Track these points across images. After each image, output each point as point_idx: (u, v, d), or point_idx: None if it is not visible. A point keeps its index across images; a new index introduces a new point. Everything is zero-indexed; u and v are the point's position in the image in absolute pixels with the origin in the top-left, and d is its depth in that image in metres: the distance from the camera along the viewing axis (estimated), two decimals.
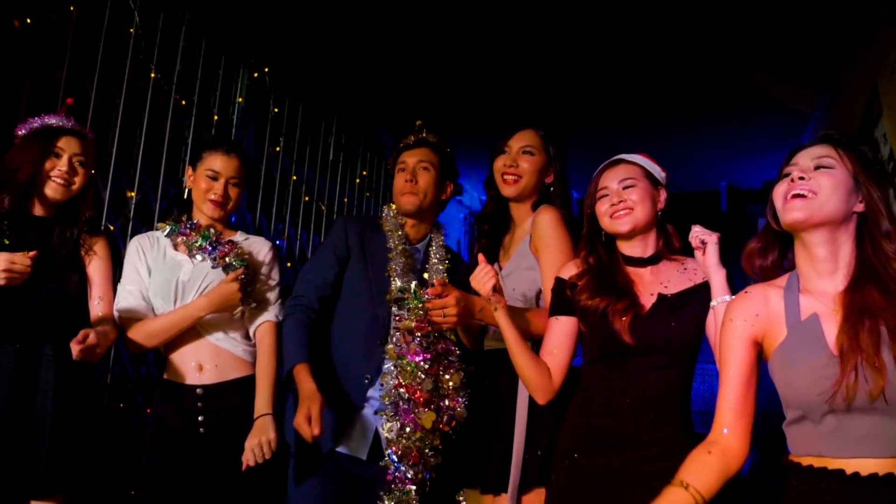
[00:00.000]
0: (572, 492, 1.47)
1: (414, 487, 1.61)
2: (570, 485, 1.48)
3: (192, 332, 1.79)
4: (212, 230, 1.85)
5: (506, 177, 1.85)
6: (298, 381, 1.69)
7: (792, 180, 1.20)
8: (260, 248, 1.93)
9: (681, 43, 3.45)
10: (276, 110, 3.49)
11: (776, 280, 1.26)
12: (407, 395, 1.64)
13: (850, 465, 1.09)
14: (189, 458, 1.74)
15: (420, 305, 1.64)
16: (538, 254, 1.74)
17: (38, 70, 2.24)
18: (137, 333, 1.76)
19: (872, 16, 2.78)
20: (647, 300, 1.48)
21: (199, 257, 1.83)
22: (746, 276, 1.34)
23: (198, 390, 1.77)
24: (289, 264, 3.55)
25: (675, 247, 1.56)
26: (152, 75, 2.65)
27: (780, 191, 1.22)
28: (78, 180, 1.76)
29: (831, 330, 1.14)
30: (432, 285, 1.62)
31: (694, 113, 4.37)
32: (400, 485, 1.61)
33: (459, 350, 1.77)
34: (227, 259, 1.81)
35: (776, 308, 1.21)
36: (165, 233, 1.86)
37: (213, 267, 1.82)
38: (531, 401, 1.61)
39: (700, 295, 1.47)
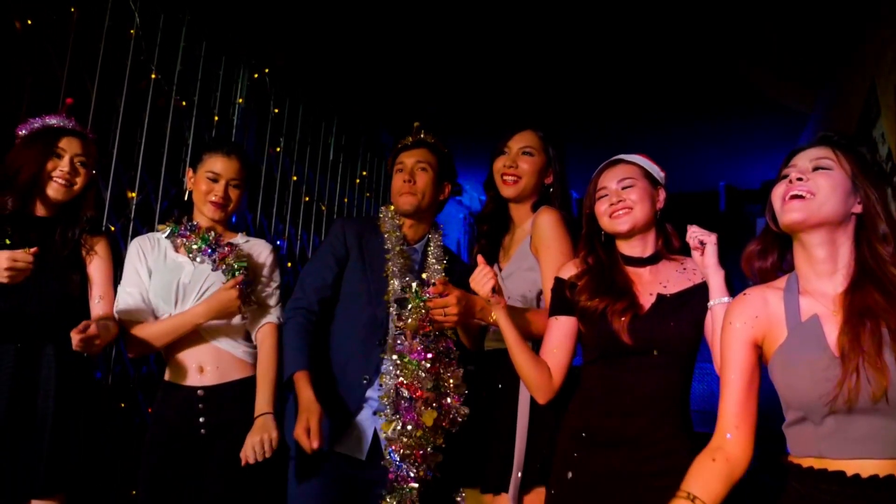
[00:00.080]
0: (572, 491, 1.47)
1: (416, 486, 1.62)
2: (570, 484, 1.48)
3: (193, 333, 1.79)
4: (211, 233, 1.86)
5: (505, 177, 1.85)
6: (298, 388, 1.71)
7: (790, 181, 1.20)
8: (260, 250, 1.94)
9: (679, 43, 3.45)
10: (276, 111, 3.49)
11: (775, 282, 1.26)
12: (408, 393, 1.65)
13: (851, 467, 1.09)
14: (190, 459, 1.75)
15: (421, 305, 1.65)
16: (538, 255, 1.74)
17: (40, 71, 2.24)
18: (136, 337, 1.76)
19: (870, 16, 2.79)
20: (647, 300, 1.49)
21: (199, 259, 1.83)
22: (745, 277, 1.34)
23: (199, 391, 1.77)
24: (289, 264, 3.56)
25: (674, 246, 1.57)
26: (153, 76, 2.65)
27: (778, 192, 1.22)
28: (79, 181, 1.77)
29: (832, 331, 1.14)
30: (433, 284, 1.62)
31: (692, 113, 4.38)
32: (402, 483, 1.62)
33: (459, 350, 1.77)
34: (227, 261, 1.81)
35: (776, 310, 1.21)
36: (165, 234, 1.87)
37: (212, 270, 1.82)
38: (532, 400, 1.62)
39: (699, 295, 1.48)
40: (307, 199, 3.83)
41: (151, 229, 2.49)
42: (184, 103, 2.85)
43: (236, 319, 1.81)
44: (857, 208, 1.19)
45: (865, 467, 1.09)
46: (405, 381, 1.65)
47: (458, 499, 1.79)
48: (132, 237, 2.42)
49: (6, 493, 1.60)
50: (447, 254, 1.94)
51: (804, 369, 1.13)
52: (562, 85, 3.97)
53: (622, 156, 1.60)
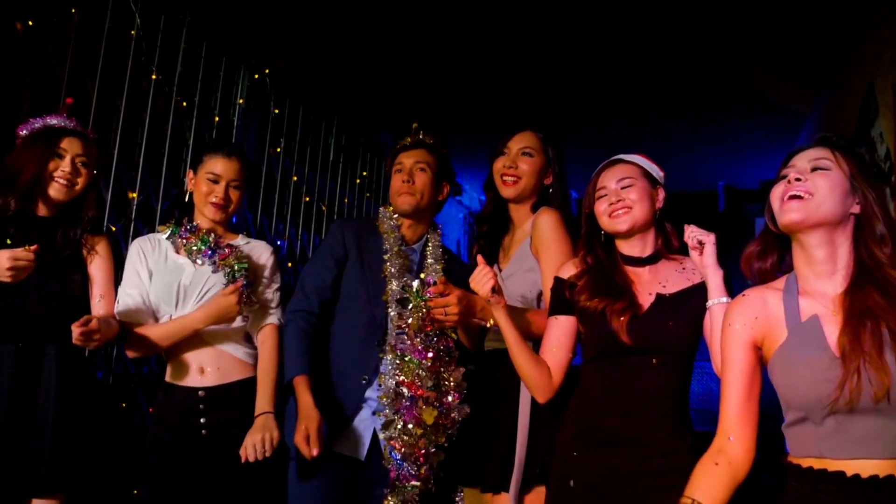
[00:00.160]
0: (572, 490, 1.47)
1: (418, 484, 1.63)
2: (570, 483, 1.48)
3: (193, 335, 1.80)
4: (211, 234, 1.86)
5: (505, 178, 1.86)
6: (297, 393, 1.72)
7: (789, 182, 1.20)
8: (261, 252, 1.94)
9: (679, 44, 3.46)
10: (276, 111, 3.50)
11: (774, 283, 1.26)
12: (408, 392, 1.65)
13: (851, 467, 1.09)
14: (190, 459, 1.75)
15: (422, 304, 1.65)
16: (538, 255, 1.75)
17: (40, 71, 2.24)
18: (135, 339, 1.77)
19: (869, 16, 2.80)
20: (646, 300, 1.49)
21: (199, 261, 1.84)
22: (744, 277, 1.34)
23: (200, 392, 1.78)
24: (290, 264, 3.56)
25: (673, 246, 1.57)
26: (153, 77, 2.66)
27: (777, 192, 1.22)
28: (81, 181, 1.77)
29: (832, 331, 1.14)
30: (434, 284, 1.63)
31: (691, 113, 4.38)
32: (404, 482, 1.62)
33: (459, 350, 1.78)
34: (227, 262, 1.82)
35: (775, 310, 1.21)
36: (166, 235, 1.87)
37: (213, 272, 1.83)
38: (532, 400, 1.62)
39: (698, 295, 1.48)
40: (307, 199, 3.84)
41: (152, 230, 2.49)
42: (184, 104, 2.85)
43: (237, 321, 1.81)
44: (856, 209, 1.19)
45: (865, 467, 1.09)
46: (406, 380, 1.65)
47: (457, 499, 1.80)
48: (133, 238, 2.43)
49: (7, 493, 1.61)
50: (446, 254, 1.94)
51: (804, 370, 1.13)
52: (561, 85, 3.97)
53: (621, 156, 1.61)
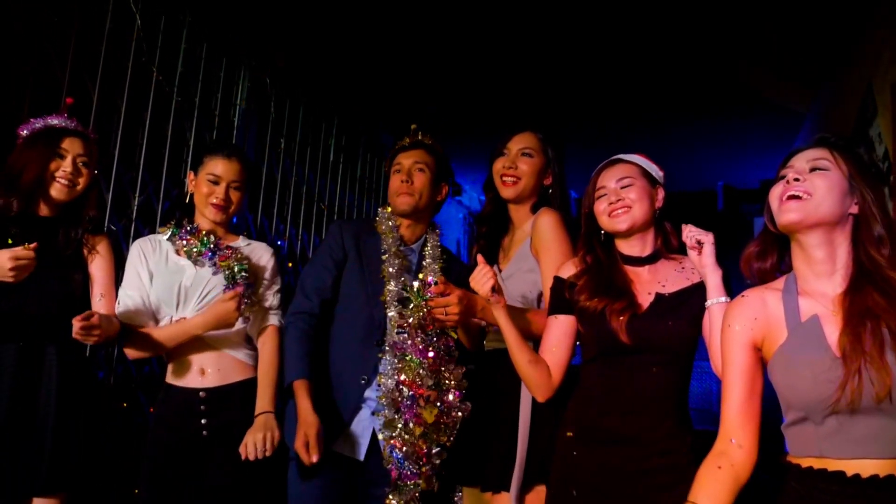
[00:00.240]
0: (572, 489, 1.48)
1: (421, 482, 1.63)
2: (570, 482, 1.49)
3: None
4: (210, 236, 1.86)
5: (504, 178, 1.86)
6: (297, 398, 1.72)
7: (787, 182, 1.20)
8: (261, 253, 1.94)
9: (678, 44, 3.47)
10: (275, 112, 3.50)
11: (773, 283, 1.26)
12: (409, 391, 1.66)
13: (851, 467, 1.09)
14: (191, 460, 1.76)
15: (423, 304, 1.66)
16: (538, 256, 1.75)
17: (41, 72, 2.25)
18: (134, 342, 1.77)
19: (868, 16, 2.80)
20: (645, 299, 1.50)
21: (199, 263, 1.84)
22: (743, 276, 1.34)
23: (200, 393, 1.78)
24: (290, 264, 3.57)
25: (673, 246, 1.57)
26: (154, 77, 2.66)
27: (775, 192, 1.22)
28: (82, 181, 1.78)
29: (832, 332, 1.13)
30: (436, 283, 1.64)
31: (691, 113, 4.39)
32: (406, 481, 1.63)
33: (458, 350, 1.78)
34: (227, 263, 1.82)
35: (775, 311, 1.21)
36: (166, 237, 1.88)
37: (213, 274, 1.83)
38: (533, 400, 1.63)
39: (698, 294, 1.48)
40: (307, 199, 3.84)
41: (153, 230, 2.49)
42: (180, 100, 2.85)
43: (237, 324, 1.82)
44: (854, 209, 1.19)
45: (866, 467, 1.09)
46: (407, 379, 1.66)
47: (456, 499, 1.80)
48: (134, 238, 2.43)
49: (7, 492, 1.61)
50: (444, 253, 1.95)
51: (805, 370, 1.13)
52: (561, 85, 3.98)
53: (621, 155, 1.61)
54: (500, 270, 1.88)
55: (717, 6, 3.10)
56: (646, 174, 1.58)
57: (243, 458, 1.70)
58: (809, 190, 1.18)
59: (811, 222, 1.18)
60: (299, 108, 3.71)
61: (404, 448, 1.64)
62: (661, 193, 1.58)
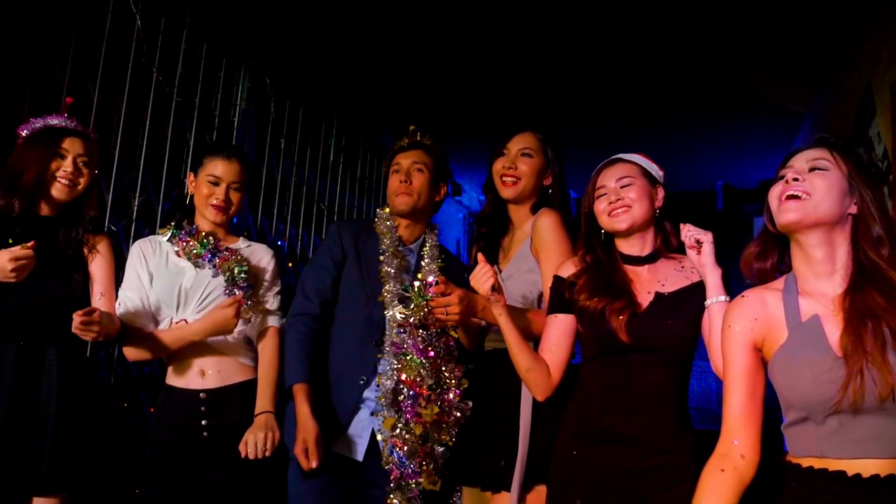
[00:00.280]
0: (572, 488, 1.48)
1: (422, 480, 1.64)
2: (570, 481, 1.49)
3: None
4: (210, 238, 1.86)
5: (504, 179, 1.86)
6: (296, 402, 1.73)
7: (786, 182, 1.20)
8: (261, 255, 1.95)
9: (677, 44, 3.47)
10: (275, 112, 3.51)
11: (772, 283, 1.26)
12: (409, 390, 1.66)
13: (852, 467, 1.09)
14: (192, 461, 1.76)
15: (423, 303, 1.66)
16: (539, 256, 1.75)
17: (41, 73, 2.25)
18: (133, 344, 1.78)
19: (867, 16, 2.81)
20: (645, 299, 1.50)
21: (199, 264, 1.84)
22: (743, 276, 1.34)
23: (201, 394, 1.79)
24: (290, 265, 3.57)
25: (672, 245, 1.57)
26: (154, 77, 2.66)
27: (774, 192, 1.22)
28: (82, 181, 1.78)
29: (833, 331, 1.13)
30: (436, 283, 1.64)
31: (690, 113, 4.39)
32: (408, 479, 1.63)
33: (458, 350, 1.79)
34: (227, 265, 1.82)
35: (775, 311, 1.20)
36: (166, 238, 1.88)
37: (213, 276, 1.83)
38: (533, 399, 1.63)
39: (697, 293, 1.48)
40: (307, 199, 3.85)
41: (153, 230, 2.50)
42: (179, 99, 2.85)
43: (238, 325, 1.82)
44: (853, 209, 1.19)
45: (867, 467, 1.08)
46: (408, 379, 1.66)
47: (454, 498, 1.81)
48: (134, 238, 2.43)
49: (7, 491, 1.61)
50: (443, 253, 1.95)
51: (806, 370, 1.12)
52: (561, 85, 3.98)
53: (621, 155, 1.61)
54: (500, 271, 1.87)
55: (716, 6, 3.11)
56: (646, 174, 1.58)
57: (243, 455, 1.70)
58: (808, 190, 1.18)
59: (810, 222, 1.18)
60: (299, 108, 3.71)
61: (405, 447, 1.64)
62: (660, 193, 1.58)
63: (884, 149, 2.48)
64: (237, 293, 1.81)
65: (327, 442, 1.73)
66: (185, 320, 1.82)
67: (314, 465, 1.66)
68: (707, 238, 1.47)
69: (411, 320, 1.70)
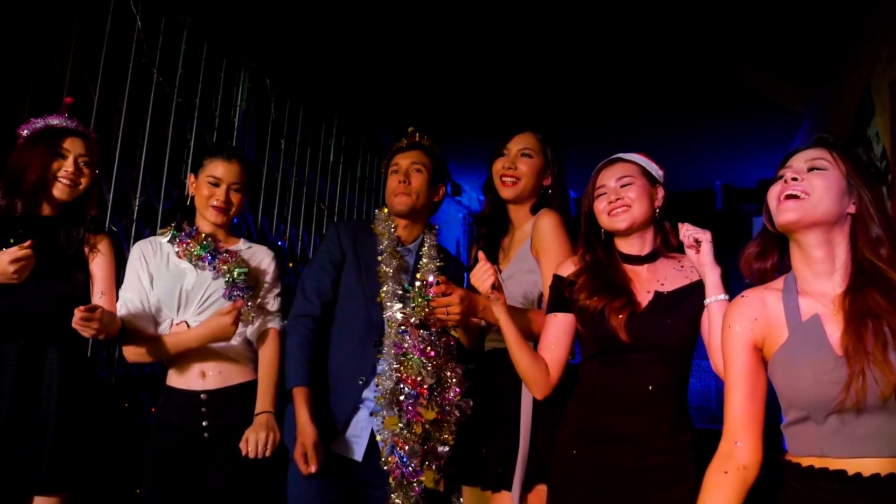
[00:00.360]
0: (572, 488, 1.49)
1: (424, 479, 1.64)
2: (571, 481, 1.49)
3: None
4: (209, 239, 1.86)
5: (504, 179, 1.86)
6: (296, 406, 1.73)
7: (785, 181, 1.21)
8: (262, 257, 1.95)
9: (677, 44, 3.47)
10: (275, 113, 3.51)
11: (772, 283, 1.26)
12: (410, 389, 1.67)
13: (852, 466, 1.09)
14: (192, 462, 1.76)
15: (424, 303, 1.67)
16: (539, 257, 1.76)
17: (42, 73, 2.25)
18: (131, 348, 1.79)
19: (865, 15, 2.81)
20: (644, 298, 1.50)
21: (199, 266, 1.84)
22: (742, 275, 1.34)
23: (202, 395, 1.79)
24: (290, 265, 3.58)
25: (672, 244, 1.58)
26: (155, 78, 2.67)
27: (773, 192, 1.23)
28: (84, 180, 1.78)
29: (834, 331, 1.13)
30: (437, 283, 1.64)
31: (690, 113, 4.40)
32: (411, 478, 1.64)
33: (457, 350, 1.79)
34: (227, 267, 1.82)
35: (775, 311, 1.20)
36: (167, 239, 1.88)
37: (213, 278, 1.83)
38: (533, 399, 1.63)
39: (696, 292, 1.49)
40: (307, 199, 3.85)
41: (154, 231, 2.50)
42: (179, 100, 2.86)
43: (238, 329, 1.82)
44: (852, 209, 1.19)
45: (867, 466, 1.09)
46: (409, 378, 1.67)
47: (453, 498, 1.81)
48: (135, 239, 2.44)
49: (8, 491, 1.62)
50: (441, 252, 1.95)
51: (807, 369, 1.13)
52: (561, 85, 3.98)
53: (621, 154, 1.61)
54: (500, 271, 1.88)
55: (716, 6, 3.11)
56: (645, 173, 1.58)
57: (244, 453, 1.70)
58: (807, 189, 1.18)
59: (809, 222, 1.18)
60: (299, 108, 3.71)
61: (406, 447, 1.64)
62: (660, 192, 1.59)
63: (882, 148, 2.49)
64: (237, 295, 1.81)
65: (326, 443, 1.74)
66: (186, 322, 1.82)
67: (313, 469, 1.66)
68: (705, 237, 1.47)
69: (412, 320, 1.71)
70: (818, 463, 1.13)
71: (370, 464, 1.75)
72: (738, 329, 1.23)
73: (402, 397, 1.68)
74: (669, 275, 1.54)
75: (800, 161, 1.23)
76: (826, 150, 1.22)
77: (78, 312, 1.54)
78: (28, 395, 1.65)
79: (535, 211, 1.86)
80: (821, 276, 1.20)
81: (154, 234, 2.18)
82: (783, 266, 1.29)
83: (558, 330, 1.56)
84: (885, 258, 1.16)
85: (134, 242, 2.11)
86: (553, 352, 1.55)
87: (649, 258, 1.57)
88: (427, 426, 1.66)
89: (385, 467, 1.68)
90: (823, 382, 1.10)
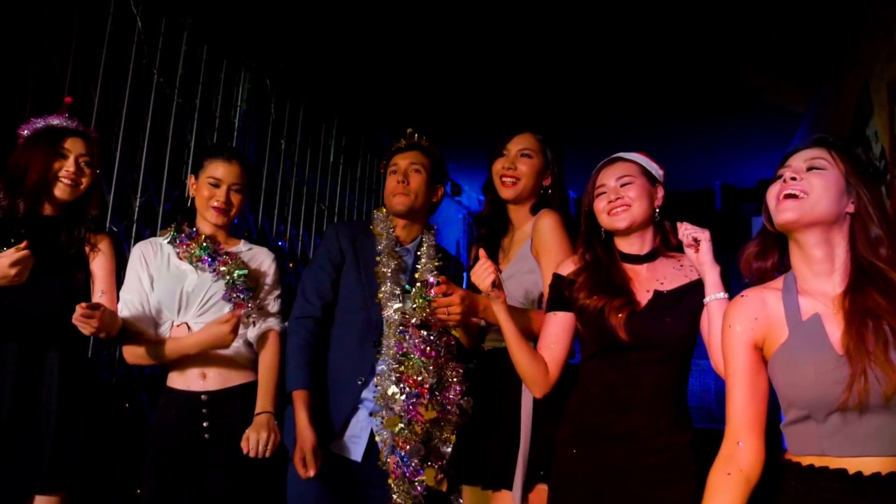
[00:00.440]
0: (573, 487, 1.49)
1: (424, 478, 1.64)
2: (570, 480, 1.50)
3: None
4: (209, 241, 1.87)
5: (504, 179, 1.87)
6: (295, 409, 1.73)
7: (784, 181, 1.21)
8: (262, 258, 1.95)
9: (676, 44, 3.48)
10: (275, 113, 3.51)
11: (771, 282, 1.26)
12: (414, 391, 1.67)
13: (853, 465, 1.09)
14: (193, 463, 1.77)
15: (425, 303, 1.67)
16: (539, 257, 1.76)
17: (42, 74, 2.25)
18: (131, 349, 1.79)
19: (864, 16, 2.82)
20: (644, 297, 1.51)
21: (199, 267, 1.85)
22: (741, 275, 1.35)
23: (202, 396, 1.79)
24: (290, 265, 3.58)
25: (671, 244, 1.58)
26: (155, 79, 2.67)
27: (773, 192, 1.23)
28: (85, 180, 1.79)
29: (834, 330, 1.14)
30: (438, 283, 1.64)
31: (689, 113, 4.40)
32: (412, 478, 1.64)
33: (457, 349, 1.79)
34: (227, 269, 1.82)
35: (775, 310, 1.21)
36: (167, 240, 1.88)
37: (213, 280, 1.84)
38: (534, 398, 1.64)
39: (696, 291, 1.49)
40: (308, 200, 3.85)
41: (154, 231, 2.50)
42: (180, 100, 2.86)
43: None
44: (851, 208, 1.19)
45: (868, 465, 1.09)
46: (410, 378, 1.67)
47: (453, 498, 1.81)
48: (136, 239, 2.44)
49: (8, 490, 1.62)
50: (440, 252, 1.95)
51: (808, 369, 1.13)
52: (561, 85, 3.98)
53: (621, 153, 1.62)
54: (500, 271, 1.88)
55: (716, 6, 3.11)
56: (645, 173, 1.58)
57: (245, 452, 1.71)
58: (806, 189, 1.18)
59: (807, 221, 1.18)
60: (299, 109, 3.71)
61: (407, 446, 1.65)
62: (660, 192, 1.59)
63: (881, 148, 2.49)
64: (237, 297, 1.81)
65: (326, 443, 1.74)
66: (187, 324, 1.82)
67: (311, 473, 1.66)
68: (704, 236, 1.48)
69: (412, 320, 1.71)
70: (818, 462, 1.13)
71: (370, 464, 1.75)
72: (738, 328, 1.23)
73: (402, 397, 1.68)
74: (669, 274, 1.55)
75: (799, 160, 1.23)
76: (825, 150, 1.22)
77: (79, 308, 1.55)
78: (28, 395, 1.65)
79: (534, 211, 1.86)
80: (820, 275, 1.20)
81: (154, 235, 2.18)
82: (783, 265, 1.29)
83: (558, 329, 1.57)
84: (884, 258, 1.16)
85: (134, 243, 2.11)
86: (552, 350, 1.56)
87: (649, 257, 1.57)
88: (428, 426, 1.66)
89: (384, 468, 1.68)
90: (825, 381, 1.10)
